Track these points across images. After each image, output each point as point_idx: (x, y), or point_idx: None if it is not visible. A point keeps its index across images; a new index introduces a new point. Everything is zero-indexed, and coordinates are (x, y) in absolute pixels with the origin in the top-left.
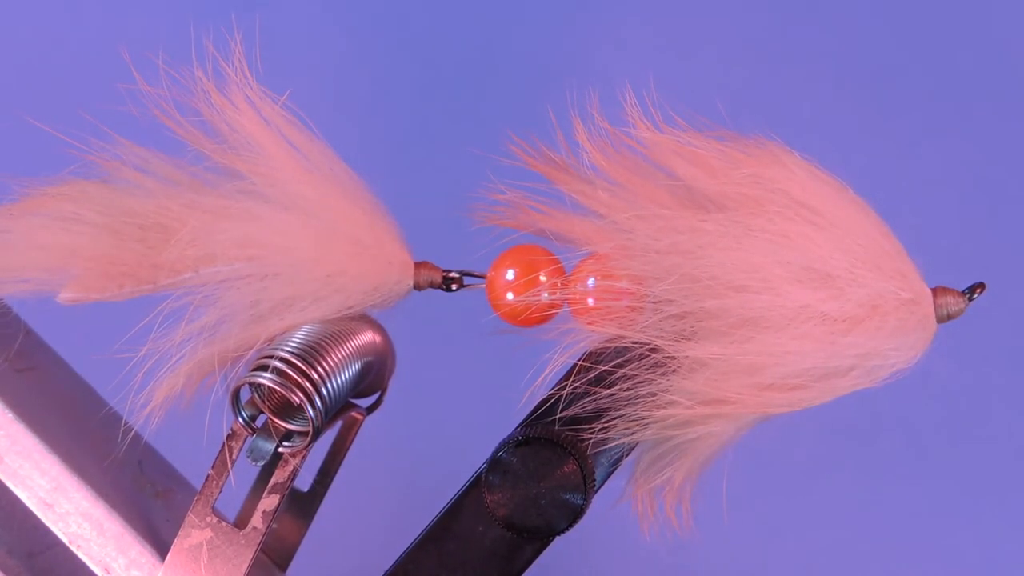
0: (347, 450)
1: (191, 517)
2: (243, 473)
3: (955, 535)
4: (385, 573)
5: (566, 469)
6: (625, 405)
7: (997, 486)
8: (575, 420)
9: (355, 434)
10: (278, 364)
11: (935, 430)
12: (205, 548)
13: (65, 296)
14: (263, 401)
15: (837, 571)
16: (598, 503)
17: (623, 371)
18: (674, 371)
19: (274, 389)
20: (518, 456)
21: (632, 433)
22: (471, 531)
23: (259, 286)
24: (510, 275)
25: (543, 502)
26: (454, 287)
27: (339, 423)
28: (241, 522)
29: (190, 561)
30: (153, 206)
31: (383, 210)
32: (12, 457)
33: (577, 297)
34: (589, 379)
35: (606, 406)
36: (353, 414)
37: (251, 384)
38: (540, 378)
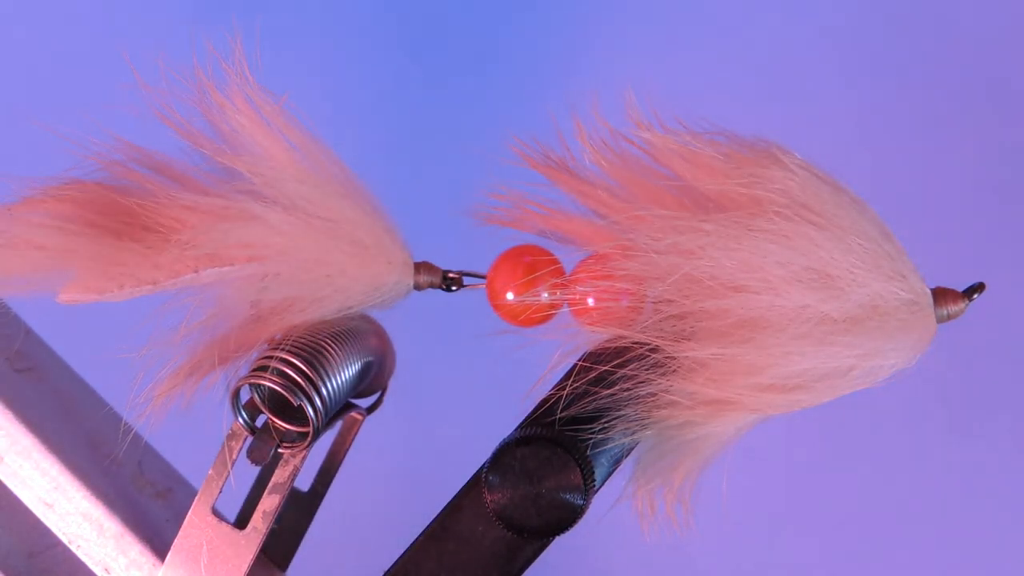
0: (347, 450)
1: (191, 517)
2: (243, 473)
3: (955, 535)
4: (385, 573)
5: (566, 469)
6: (625, 405)
7: (997, 486)
8: (575, 420)
9: (355, 434)
10: (278, 365)
11: (935, 430)
12: (205, 548)
13: (65, 296)
14: (263, 401)
15: (837, 571)
16: (598, 503)
17: (623, 371)
18: (674, 371)
19: (274, 389)
20: (518, 456)
21: (632, 433)
22: (471, 531)
23: (259, 286)
24: (510, 275)
25: (543, 502)
26: (454, 287)
27: (339, 423)
28: (241, 522)
29: (190, 561)
30: (153, 206)
31: (383, 210)
32: (12, 457)
33: (577, 297)
34: (589, 379)
35: (606, 406)
36: (353, 414)
37: (251, 384)
38: (540, 378)
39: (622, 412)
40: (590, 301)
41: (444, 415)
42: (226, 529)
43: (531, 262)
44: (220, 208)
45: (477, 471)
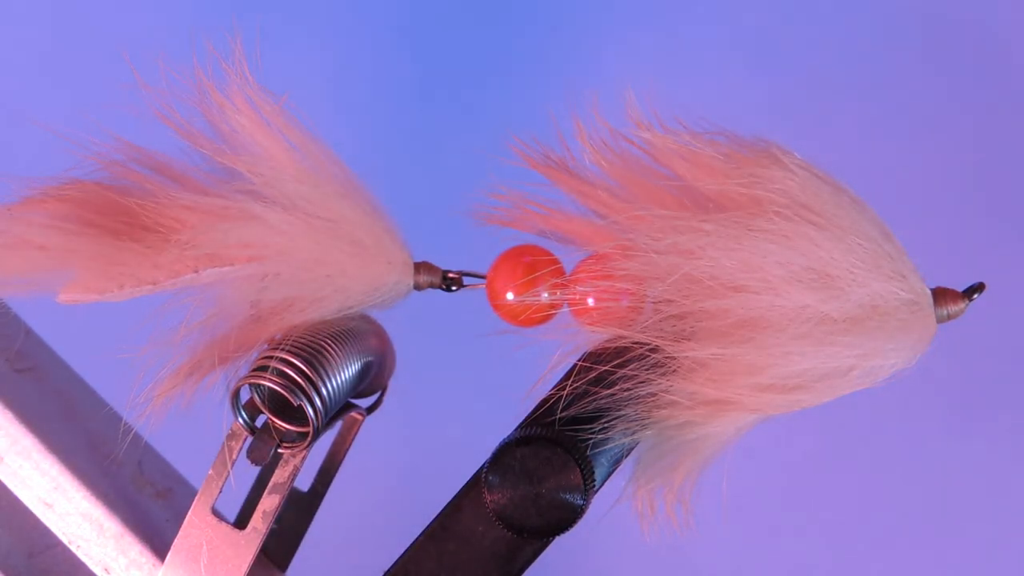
0: (347, 450)
1: (191, 517)
2: (243, 473)
3: (955, 535)
4: (385, 573)
5: (566, 469)
6: (625, 405)
7: (997, 486)
8: (575, 420)
9: (355, 434)
10: (278, 365)
11: (935, 430)
12: (205, 548)
13: (65, 296)
14: (263, 402)
15: (837, 571)
16: (598, 503)
17: (623, 371)
18: (674, 371)
19: (274, 389)
20: (518, 456)
21: (632, 433)
22: (471, 531)
23: (259, 286)
24: (510, 275)
25: (543, 502)
26: (454, 287)
27: (339, 423)
28: (241, 522)
29: (190, 561)
30: (153, 206)
31: (383, 210)
32: (12, 457)
33: (577, 297)
34: (589, 379)
35: (606, 406)
36: (353, 414)
37: (251, 384)
38: (540, 378)
39: (622, 412)
40: (590, 301)
41: (444, 415)
42: (226, 529)
43: (531, 262)
44: (220, 208)
45: (477, 471)
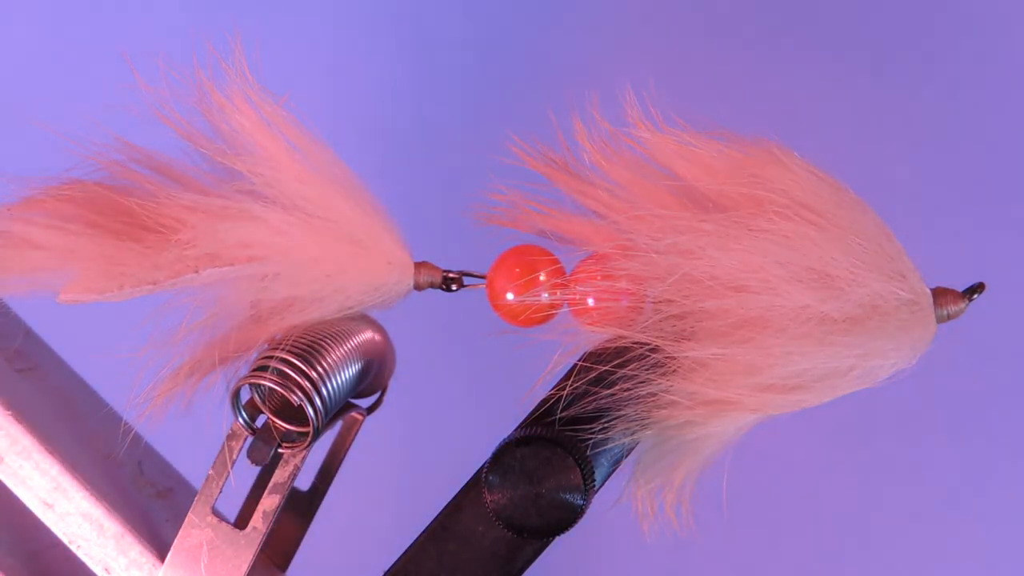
0: (347, 450)
1: (191, 517)
2: (243, 473)
3: (955, 535)
4: (385, 573)
5: (566, 469)
6: (625, 405)
7: (997, 486)
8: (575, 420)
9: (355, 434)
10: (278, 364)
11: (935, 430)
12: (205, 548)
13: (65, 296)
14: (263, 401)
15: (837, 571)
16: (598, 503)
17: (623, 371)
18: (674, 371)
19: (274, 389)
20: (518, 456)
21: (632, 433)
22: (471, 531)
23: (259, 286)
24: (510, 275)
25: (543, 502)
26: (454, 287)
27: (339, 423)
28: (241, 522)
29: (190, 561)
30: (153, 206)
31: (383, 210)
32: (12, 457)
33: (577, 297)
34: (589, 379)
35: (606, 406)
36: (353, 414)
37: (251, 384)
38: (540, 378)
39: (622, 412)
40: (590, 301)
41: (444, 415)
42: (226, 529)
43: (531, 262)
44: (220, 208)
45: (477, 471)
